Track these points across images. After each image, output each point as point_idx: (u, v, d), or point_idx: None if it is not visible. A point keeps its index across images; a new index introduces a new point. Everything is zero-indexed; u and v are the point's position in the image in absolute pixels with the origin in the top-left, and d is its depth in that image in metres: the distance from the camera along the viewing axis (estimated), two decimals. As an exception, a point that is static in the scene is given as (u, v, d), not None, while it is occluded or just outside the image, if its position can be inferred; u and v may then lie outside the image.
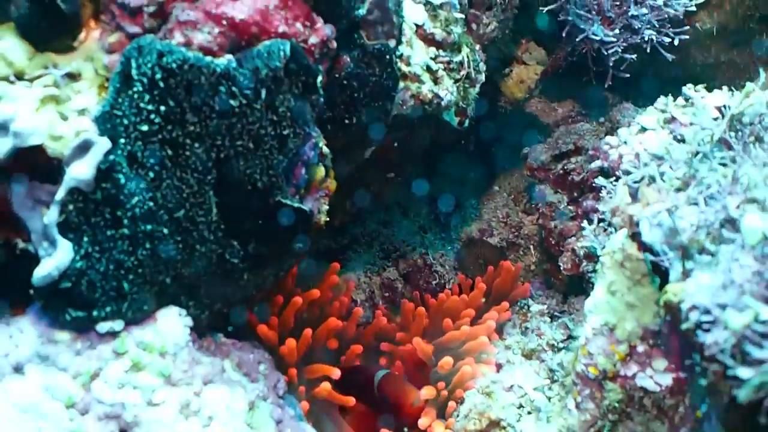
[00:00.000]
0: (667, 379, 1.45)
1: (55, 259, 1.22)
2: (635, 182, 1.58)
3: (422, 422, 1.82)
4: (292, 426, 1.53)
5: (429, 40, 1.76)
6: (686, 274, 1.26)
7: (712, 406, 1.26)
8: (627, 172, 1.62)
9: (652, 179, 1.51)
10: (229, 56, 1.30)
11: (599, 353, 1.51)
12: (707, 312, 1.02)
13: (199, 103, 1.28)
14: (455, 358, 1.92)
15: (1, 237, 1.24)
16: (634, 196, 1.58)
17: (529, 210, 2.40)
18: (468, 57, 1.82)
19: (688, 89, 1.87)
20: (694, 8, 1.98)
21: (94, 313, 1.27)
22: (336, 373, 1.79)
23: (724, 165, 1.44)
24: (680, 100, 1.91)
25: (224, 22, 1.29)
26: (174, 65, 1.26)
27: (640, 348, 1.49)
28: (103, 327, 1.28)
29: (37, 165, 1.24)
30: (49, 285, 1.23)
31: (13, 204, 1.24)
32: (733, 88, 1.86)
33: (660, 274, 1.41)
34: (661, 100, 1.86)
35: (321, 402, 1.81)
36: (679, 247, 1.28)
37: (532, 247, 2.35)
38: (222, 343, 1.52)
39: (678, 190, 1.45)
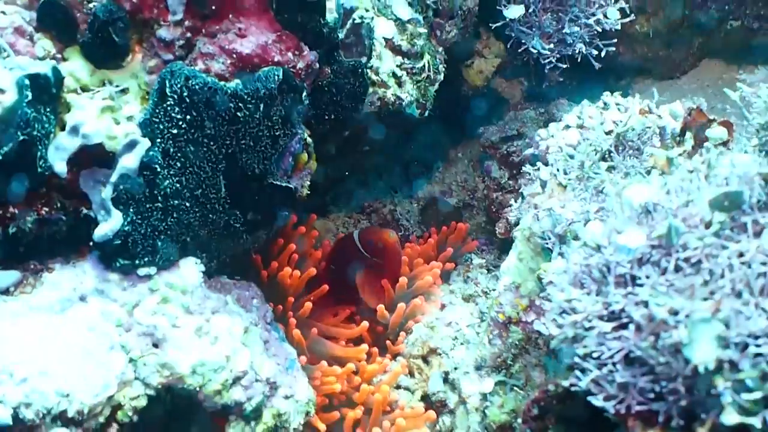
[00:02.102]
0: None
1: (110, 223, 1.72)
2: (547, 176, 2.07)
3: None
4: (276, 346, 2.05)
5: (396, 50, 2.22)
6: (560, 254, 1.76)
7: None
8: (540, 167, 2.11)
9: (555, 176, 2.00)
10: (237, 81, 1.76)
11: (507, 304, 2.01)
12: (553, 286, 1.52)
13: (214, 114, 1.75)
14: (408, 295, 2.46)
15: (72, 206, 1.73)
16: (544, 186, 2.07)
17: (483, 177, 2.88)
18: (429, 62, 2.27)
19: (606, 96, 2.32)
20: (618, 27, 2.41)
21: (136, 261, 1.78)
22: (312, 272, 2.33)
23: (609, 170, 1.93)
24: (600, 103, 2.36)
25: (234, 56, 1.75)
26: (197, 86, 1.72)
27: (538, 302, 1.99)
28: (142, 271, 1.79)
29: (97, 156, 1.72)
30: (105, 242, 1.73)
31: (80, 183, 1.73)
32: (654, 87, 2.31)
33: (551, 251, 1.91)
34: (583, 104, 2.31)
35: (305, 321, 2.34)
36: (558, 235, 1.78)
37: (484, 198, 2.83)
38: (225, 282, 2.03)
39: (572, 188, 1.94)
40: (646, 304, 1.19)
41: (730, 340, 1.08)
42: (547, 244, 1.81)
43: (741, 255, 1.19)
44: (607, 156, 1.96)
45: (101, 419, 1.65)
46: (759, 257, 1.18)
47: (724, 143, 2.00)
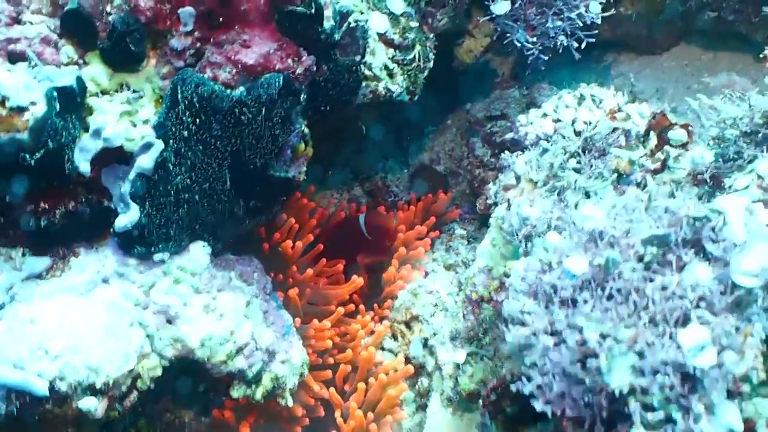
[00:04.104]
0: (522, 305, 2.20)
1: (128, 216, 1.95)
2: (521, 169, 2.28)
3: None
4: (274, 314, 2.31)
5: (389, 43, 2.39)
6: (525, 253, 1.99)
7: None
8: (515, 158, 2.31)
9: (528, 173, 2.21)
10: (242, 88, 1.95)
11: (480, 284, 2.25)
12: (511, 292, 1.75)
13: (221, 117, 1.95)
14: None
15: (95, 198, 1.95)
16: (518, 180, 2.28)
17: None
18: (420, 53, 2.44)
19: (582, 87, 2.50)
20: (599, 21, 2.57)
21: (152, 249, 2.01)
22: (310, 237, 2.58)
23: (577, 171, 2.14)
24: (576, 93, 2.54)
25: (239, 66, 1.94)
26: (205, 93, 1.91)
27: (507, 283, 2.24)
28: (157, 257, 2.03)
29: (117, 154, 1.93)
30: (124, 231, 1.96)
31: (102, 178, 1.94)
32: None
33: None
34: (561, 93, 2.49)
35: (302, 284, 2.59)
36: (524, 235, 2.00)
37: (468, 174, 3.04)
38: (230, 259, 2.26)
39: (542, 185, 2.15)
40: (580, 329, 1.43)
41: (644, 368, 1.33)
42: (514, 241, 2.04)
43: (664, 288, 1.43)
44: (575, 154, 2.17)
45: (124, 388, 1.92)
46: (678, 291, 1.42)
47: (684, 145, 2.22)
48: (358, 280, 2.65)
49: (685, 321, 1.39)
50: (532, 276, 1.67)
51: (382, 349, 2.57)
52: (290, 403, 2.27)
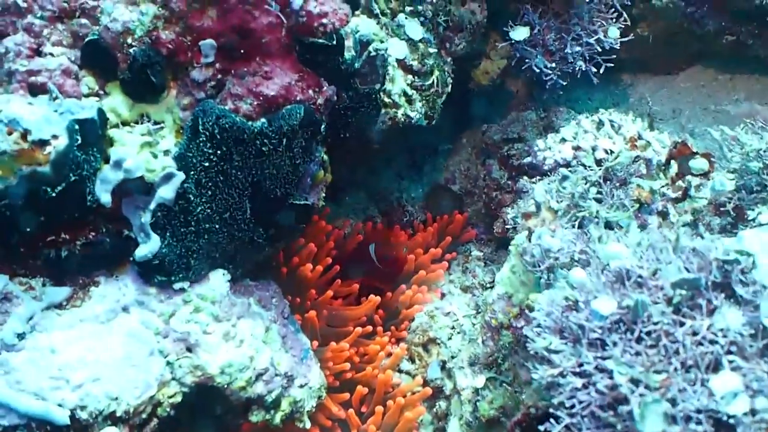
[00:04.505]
0: (541, 332, 2.19)
1: (149, 246, 1.94)
2: (541, 197, 2.27)
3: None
4: (292, 339, 2.30)
5: (407, 69, 2.38)
6: (547, 285, 1.98)
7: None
8: (535, 186, 2.30)
9: (548, 201, 2.20)
10: (263, 119, 1.94)
11: (500, 311, 2.24)
12: (538, 324, 1.75)
13: (242, 149, 1.94)
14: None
15: (115, 228, 1.94)
16: (538, 208, 2.27)
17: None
18: (438, 78, 2.44)
19: (601, 113, 2.49)
20: (618, 46, 2.56)
21: (172, 278, 2.00)
22: (328, 260, 2.58)
23: (598, 201, 2.13)
24: (595, 117, 2.53)
25: (261, 97, 1.93)
26: (227, 125, 1.90)
27: (531, 317, 2.23)
28: (177, 286, 2.02)
29: (138, 186, 1.92)
30: (145, 261, 1.96)
31: (122, 208, 1.94)
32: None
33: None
34: (579, 119, 2.48)
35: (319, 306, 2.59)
36: (546, 267, 1.99)
37: (484, 195, 3.04)
38: (249, 285, 2.26)
39: (563, 214, 2.14)
40: (611, 373, 1.42)
41: (677, 416, 1.32)
42: (536, 272, 2.03)
43: (695, 333, 1.42)
44: (596, 183, 2.16)
45: (144, 416, 1.92)
46: (709, 335, 1.41)
47: (705, 174, 2.21)
48: (374, 299, 2.65)
49: (716, 367, 1.38)
50: (557, 312, 1.67)
51: (399, 371, 2.56)
52: (308, 425, 2.28)
